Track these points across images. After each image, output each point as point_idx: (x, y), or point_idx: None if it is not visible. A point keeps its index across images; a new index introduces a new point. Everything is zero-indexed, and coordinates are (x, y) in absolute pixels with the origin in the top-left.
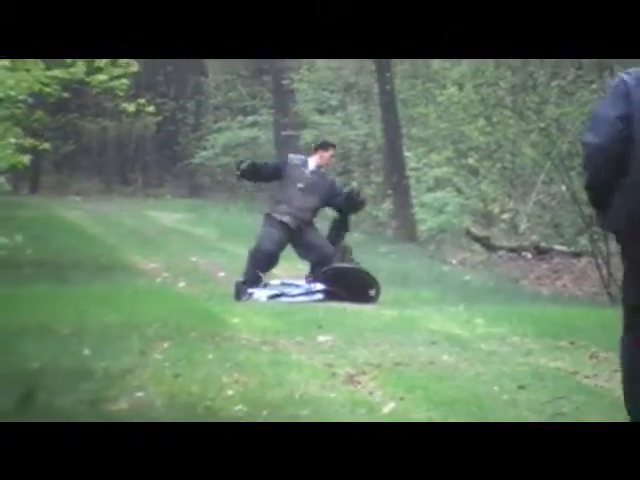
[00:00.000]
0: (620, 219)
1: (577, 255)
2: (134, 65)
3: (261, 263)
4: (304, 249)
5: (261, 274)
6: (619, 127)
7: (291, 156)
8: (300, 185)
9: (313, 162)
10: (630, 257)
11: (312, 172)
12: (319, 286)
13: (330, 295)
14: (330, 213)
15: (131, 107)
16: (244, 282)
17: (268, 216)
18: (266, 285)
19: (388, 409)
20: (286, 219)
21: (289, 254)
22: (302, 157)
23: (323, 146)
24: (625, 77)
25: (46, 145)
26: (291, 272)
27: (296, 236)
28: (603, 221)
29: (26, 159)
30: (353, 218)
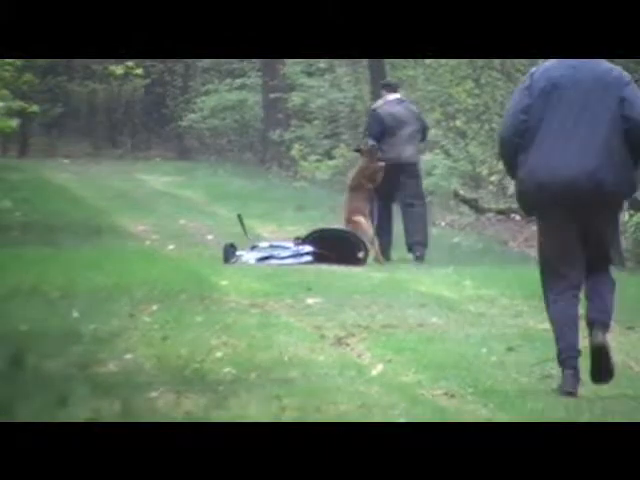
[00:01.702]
0: (521, 189)
1: None
2: None
3: None
4: None
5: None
6: (521, 118)
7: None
8: None
9: None
10: (539, 223)
11: None
12: (307, 248)
13: (319, 257)
14: None
15: (119, 70)
16: (231, 244)
17: None
18: (254, 247)
19: (377, 371)
20: None
21: (277, 216)
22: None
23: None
24: (533, 70)
25: (34, 108)
26: (280, 235)
27: None
28: (516, 195)
29: (14, 123)
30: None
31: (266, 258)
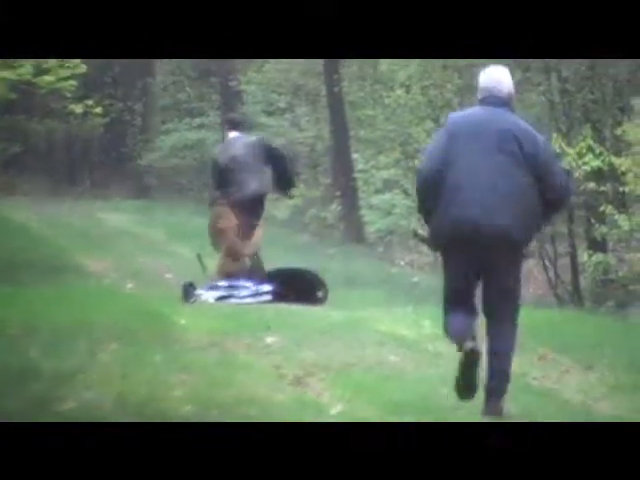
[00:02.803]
0: (433, 230)
1: (524, 256)
2: (81, 66)
3: None
4: None
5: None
6: (438, 159)
7: None
8: None
9: None
10: (445, 262)
11: None
12: (267, 287)
13: (278, 296)
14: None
15: (79, 108)
16: (190, 283)
17: None
18: (213, 286)
19: (336, 410)
20: None
21: None
22: None
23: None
24: (453, 115)
25: None
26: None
27: None
28: (429, 238)
29: None
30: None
31: (225, 297)
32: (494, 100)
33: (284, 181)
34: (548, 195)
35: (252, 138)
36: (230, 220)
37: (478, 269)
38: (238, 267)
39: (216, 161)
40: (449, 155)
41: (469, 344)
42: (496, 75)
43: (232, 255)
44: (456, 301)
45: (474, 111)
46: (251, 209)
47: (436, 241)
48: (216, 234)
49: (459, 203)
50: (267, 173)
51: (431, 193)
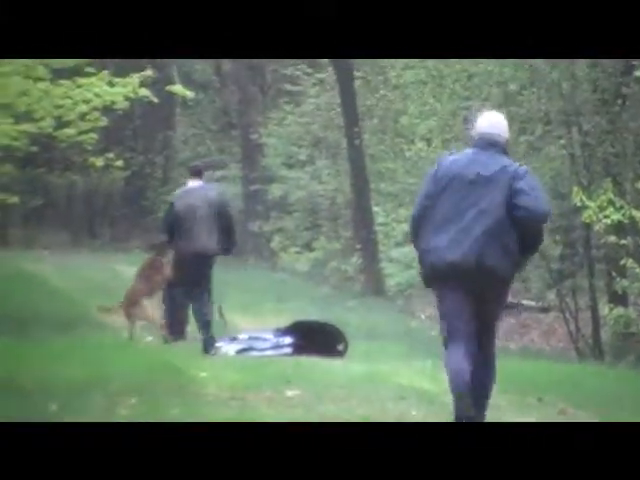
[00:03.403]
0: (422, 265)
1: (545, 310)
2: (102, 119)
3: None
4: None
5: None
6: (425, 204)
7: None
8: None
9: None
10: (437, 296)
11: None
12: (287, 340)
13: (298, 349)
14: None
15: (99, 161)
16: (211, 336)
17: None
18: (234, 339)
19: None
20: None
21: (257, 307)
22: None
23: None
24: (442, 159)
25: (14, 199)
26: (259, 325)
27: None
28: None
29: None
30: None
31: (246, 350)
32: (490, 143)
33: (226, 241)
34: (515, 212)
35: (212, 192)
36: (159, 273)
37: (463, 304)
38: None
39: (172, 206)
40: (432, 199)
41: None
42: (494, 120)
43: (130, 300)
44: (450, 336)
45: (462, 155)
46: (195, 264)
47: (423, 280)
48: (140, 276)
49: (436, 244)
50: (215, 232)
51: (417, 234)
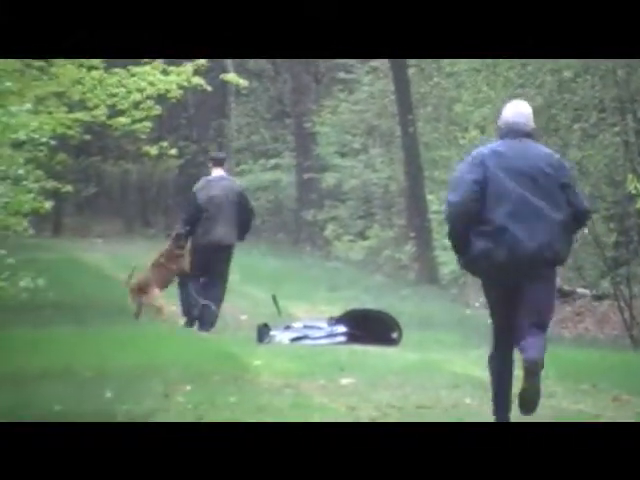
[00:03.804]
0: (478, 261)
1: (599, 298)
2: (156, 108)
3: None
4: None
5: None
6: (475, 188)
7: None
8: None
9: None
10: (489, 289)
11: None
12: (341, 329)
13: (352, 338)
14: None
15: (153, 150)
16: (265, 324)
17: None
18: (288, 328)
19: None
20: None
21: (311, 296)
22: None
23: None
24: (482, 149)
25: (68, 188)
26: (313, 314)
27: None
28: (462, 263)
29: (47, 205)
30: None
31: (300, 338)
32: (519, 132)
33: (241, 232)
34: (573, 212)
35: (233, 183)
36: (174, 263)
37: (514, 295)
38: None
39: (195, 196)
40: (480, 185)
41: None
42: (519, 109)
43: (140, 287)
44: (499, 338)
45: (502, 144)
46: (213, 254)
47: (483, 273)
48: (154, 265)
49: (499, 232)
50: (233, 223)
51: (466, 223)
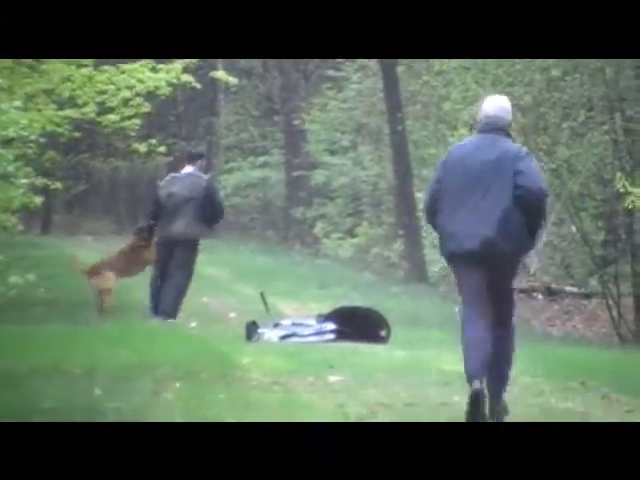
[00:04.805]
0: (441, 250)
1: (587, 296)
2: (145, 105)
3: None
4: None
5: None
6: (436, 187)
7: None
8: None
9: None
10: (455, 276)
11: None
12: (330, 326)
13: (341, 335)
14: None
15: (142, 147)
16: (253, 322)
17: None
18: (277, 325)
19: None
20: None
21: (300, 294)
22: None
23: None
24: (452, 148)
25: (58, 185)
26: (302, 312)
27: None
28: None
29: (37, 200)
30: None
31: (288, 336)
32: (496, 126)
33: (207, 227)
34: (515, 192)
35: (201, 180)
36: (139, 255)
37: (480, 285)
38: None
39: (157, 196)
40: (440, 183)
41: (476, 383)
42: (493, 104)
43: (94, 268)
44: (467, 314)
45: (469, 140)
46: (172, 247)
47: (446, 261)
48: (119, 253)
49: (452, 230)
50: (196, 218)
51: (431, 217)
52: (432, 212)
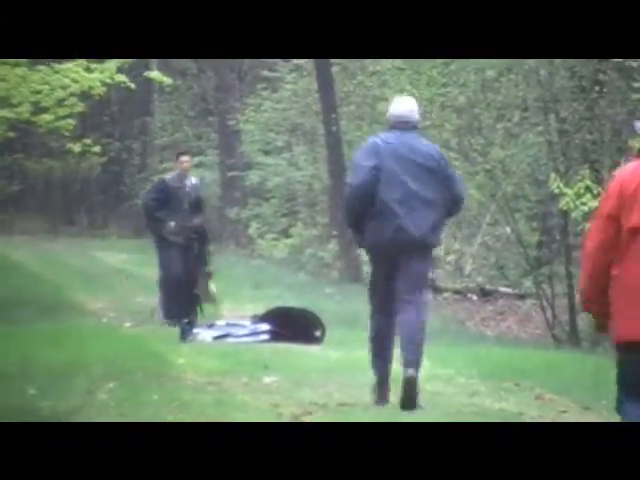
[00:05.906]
0: (369, 238)
1: (522, 297)
2: (80, 105)
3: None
4: None
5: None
6: (372, 173)
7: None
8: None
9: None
10: (375, 264)
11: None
12: (265, 327)
13: (276, 336)
14: None
15: (77, 147)
16: (188, 322)
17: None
18: (212, 325)
19: None
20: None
21: (234, 294)
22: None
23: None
24: (375, 139)
25: None
26: (237, 312)
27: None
28: (358, 240)
29: None
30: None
31: (223, 336)
32: (408, 124)
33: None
34: (451, 200)
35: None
36: None
37: (396, 269)
38: None
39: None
40: (379, 172)
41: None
42: (409, 103)
43: None
44: (380, 304)
45: (394, 135)
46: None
47: (372, 249)
48: None
49: (390, 215)
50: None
51: (363, 204)
52: (364, 196)
